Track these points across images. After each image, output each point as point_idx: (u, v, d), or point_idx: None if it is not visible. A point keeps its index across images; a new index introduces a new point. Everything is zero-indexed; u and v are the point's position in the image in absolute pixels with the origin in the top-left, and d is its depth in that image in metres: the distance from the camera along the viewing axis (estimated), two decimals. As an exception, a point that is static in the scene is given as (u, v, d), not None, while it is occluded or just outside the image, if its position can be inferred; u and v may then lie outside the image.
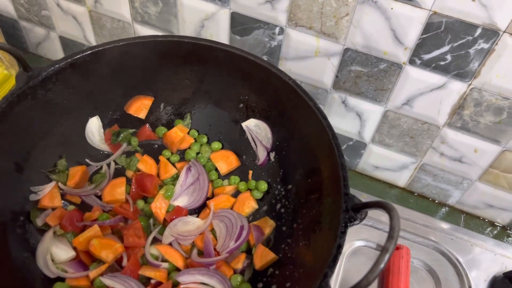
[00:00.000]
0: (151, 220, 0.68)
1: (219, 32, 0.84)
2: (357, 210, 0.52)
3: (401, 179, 0.93)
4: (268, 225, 0.66)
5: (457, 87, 0.71)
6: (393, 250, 0.44)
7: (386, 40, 0.70)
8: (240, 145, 0.74)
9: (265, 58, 0.82)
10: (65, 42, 1.07)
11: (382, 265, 0.43)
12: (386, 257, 0.43)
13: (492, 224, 0.89)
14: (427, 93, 0.75)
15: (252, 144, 0.73)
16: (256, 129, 0.71)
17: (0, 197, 0.59)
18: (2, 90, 0.95)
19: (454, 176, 0.86)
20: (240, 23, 0.80)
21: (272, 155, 0.71)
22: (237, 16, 0.78)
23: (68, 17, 0.99)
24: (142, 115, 0.74)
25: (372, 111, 0.82)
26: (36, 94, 0.62)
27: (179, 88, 0.74)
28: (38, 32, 1.07)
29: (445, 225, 0.81)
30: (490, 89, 0.69)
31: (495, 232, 0.88)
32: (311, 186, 0.62)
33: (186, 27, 0.87)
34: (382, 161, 0.91)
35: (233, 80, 0.70)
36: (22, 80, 0.61)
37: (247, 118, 0.73)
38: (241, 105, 0.72)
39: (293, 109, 0.65)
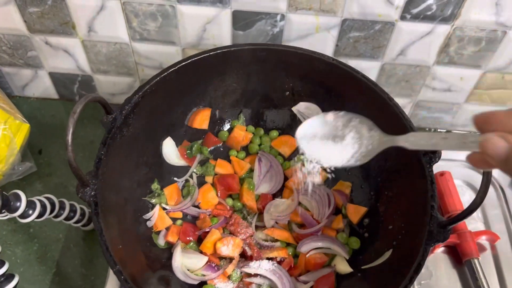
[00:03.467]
0: (245, 212, 0.77)
1: (221, 32, 0.88)
2: (434, 151, 0.64)
3: (400, 119, 1.07)
4: (346, 187, 0.78)
5: (443, 30, 0.83)
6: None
7: (379, 4, 0.80)
8: (295, 127, 0.83)
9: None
10: (56, 77, 1.05)
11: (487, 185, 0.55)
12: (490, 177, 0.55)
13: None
14: (418, 41, 0.86)
15: (305, 124, 0.83)
16: (306, 110, 0.81)
17: (128, 231, 0.65)
18: (18, 140, 0.94)
19: (445, 104, 1.00)
20: (242, 19, 0.85)
21: (328, 126, 0.81)
22: (239, 13, 0.83)
23: (58, 52, 0.98)
24: (205, 126, 0.80)
25: (371, 68, 0.93)
26: (122, 133, 0.67)
27: (229, 93, 0.81)
28: (24, 74, 1.04)
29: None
30: (470, 25, 0.82)
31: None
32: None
33: (188, 35, 0.90)
34: (383, 108, 1.04)
35: (276, 73, 0.78)
36: (108, 122, 0.65)
37: (294, 102, 0.81)
38: (287, 93, 0.81)
39: (340, 85, 0.75)
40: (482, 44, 0.86)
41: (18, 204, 0.68)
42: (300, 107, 0.81)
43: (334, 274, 0.68)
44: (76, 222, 0.80)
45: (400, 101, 0.99)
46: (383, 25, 0.84)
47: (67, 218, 0.79)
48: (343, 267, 0.69)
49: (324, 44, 0.89)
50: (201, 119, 0.79)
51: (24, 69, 1.03)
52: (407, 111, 1.04)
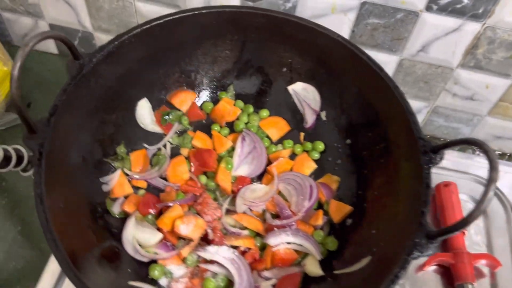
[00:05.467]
0: (218, 193, 0.69)
1: (230, 1, 0.82)
2: (436, 151, 0.56)
3: (414, 124, 0.98)
4: (333, 181, 0.69)
5: (472, 28, 0.75)
6: (497, 180, 0.47)
7: (404, -11, 0.72)
8: (288, 109, 0.76)
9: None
10: (56, 30, 1.01)
11: (491, 194, 0.47)
12: (493, 186, 0.47)
13: (500, 154, 0.96)
14: (442, 37, 0.78)
15: (300, 107, 0.75)
16: (303, 92, 0.73)
17: (77, 191, 0.59)
18: (3, 88, 0.90)
19: (465, 114, 0.92)
20: (253, -12, 0.79)
21: (323, 114, 0.73)
22: (249, -20, 0.77)
23: (59, 3, 0.94)
24: (184, 108, 0.74)
25: (388, 62, 0.85)
26: (89, 83, 0.61)
27: (220, 60, 0.74)
28: (24, 22, 1.00)
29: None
30: (503, 26, 0.74)
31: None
32: (374, 137, 0.65)
33: (194, -1, 0.85)
34: (397, 109, 0.95)
35: (274, 44, 0.71)
36: (74, 69, 0.59)
37: (291, 81, 0.74)
38: (285, 69, 0.73)
39: (343, 66, 0.67)
40: (515, 51, 0.77)
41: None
42: (297, 87, 0.73)
43: (301, 275, 0.60)
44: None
45: (416, 104, 0.92)
46: (405, 14, 0.76)
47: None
48: (314, 269, 0.61)
49: (339, 28, 0.81)
50: (181, 100, 0.73)
51: (24, 17, 1.00)
52: (422, 116, 0.95)
